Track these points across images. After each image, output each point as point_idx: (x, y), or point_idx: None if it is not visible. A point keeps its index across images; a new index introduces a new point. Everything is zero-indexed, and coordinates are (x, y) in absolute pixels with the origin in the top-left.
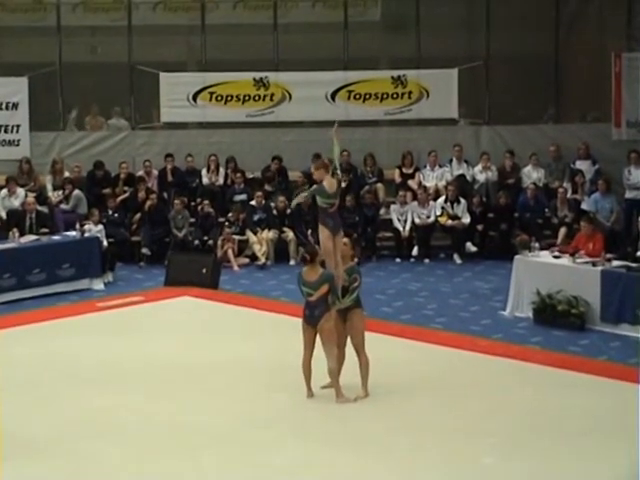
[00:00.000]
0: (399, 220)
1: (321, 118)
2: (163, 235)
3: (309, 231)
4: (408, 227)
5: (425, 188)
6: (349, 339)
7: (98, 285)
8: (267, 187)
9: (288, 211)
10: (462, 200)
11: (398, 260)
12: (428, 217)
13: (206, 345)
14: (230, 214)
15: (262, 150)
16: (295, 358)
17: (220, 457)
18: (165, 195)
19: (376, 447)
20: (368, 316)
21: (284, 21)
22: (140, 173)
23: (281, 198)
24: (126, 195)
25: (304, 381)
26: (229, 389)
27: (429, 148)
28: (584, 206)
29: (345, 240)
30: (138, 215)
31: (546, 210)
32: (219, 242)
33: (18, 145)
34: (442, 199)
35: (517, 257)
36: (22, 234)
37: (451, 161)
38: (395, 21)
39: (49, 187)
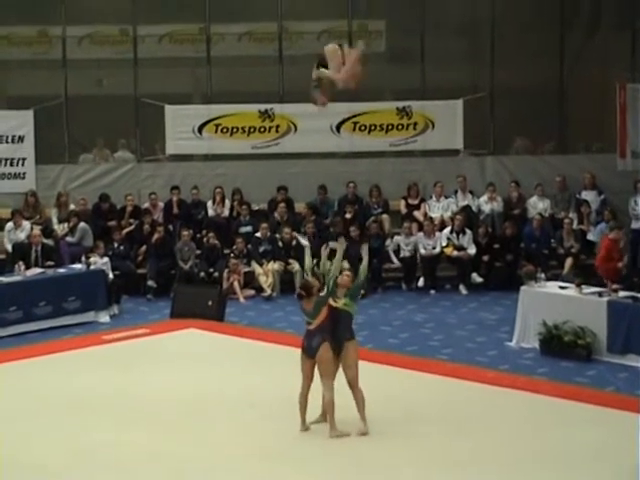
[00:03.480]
0: (404, 250)
1: (326, 150)
2: (169, 267)
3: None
4: (409, 255)
5: (431, 219)
6: (341, 371)
7: (104, 318)
8: (276, 214)
9: (293, 243)
10: (468, 231)
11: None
12: (434, 248)
13: (211, 378)
14: (235, 246)
15: (268, 182)
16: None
17: None
18: (171, 227)
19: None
20: (374, 348)
21: (289, 53)
22: (146, 205)
23: (286, 230)
24: (132, 228)
25: (299, 414)
26: (234, 421)
27: (434, 179)
28: (590, 237)
29: (348, 273)
30: (144, 247)
31: (552, 241)
32: (225, 274)
33: (24, 178)
34: (448, 230)
35: (523, 288)
36: (28, 267)
37: (456, 192)
38: (400, 52)
39: (55, 220)
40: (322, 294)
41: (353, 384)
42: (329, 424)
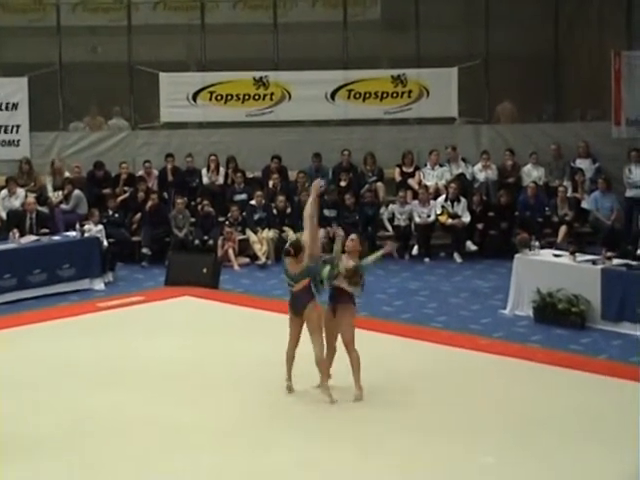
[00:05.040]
0: (399, 218)
1: (321, 117)
2: (163, 235)
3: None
4: (404, 224)
5: (426, 187)
6: (339, 335)
7: (98, 285)
8: (271, 182)
9: (288, 210)
10: (462, 199)
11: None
12: (428, 216)
13: (206, 345)
14: (230, 214)
15: (262, 149)
16: (296, 357)
17: (219, 456)
18: (165, 195)
19: (375, 446)
20: (368, 315)
21: (284, 20)
22: (140, 173)
23: (281, 197)
24: (126, 195)
25: (285, 370)
26: (229, 388)
27: (429, 147)
28: (584, 205)
29: (353, 236)
30: (138, 215)
31: (546, 209)
32: (219, 242)
33: (18, 145)
34: (442, 198)
35: (517, 256)
36: (22, 234)
37: (449, 161)
38: (395, 20)
39: (49, 187)
40: (323, 272)
41: (349, 347)
42: (320, 377)
